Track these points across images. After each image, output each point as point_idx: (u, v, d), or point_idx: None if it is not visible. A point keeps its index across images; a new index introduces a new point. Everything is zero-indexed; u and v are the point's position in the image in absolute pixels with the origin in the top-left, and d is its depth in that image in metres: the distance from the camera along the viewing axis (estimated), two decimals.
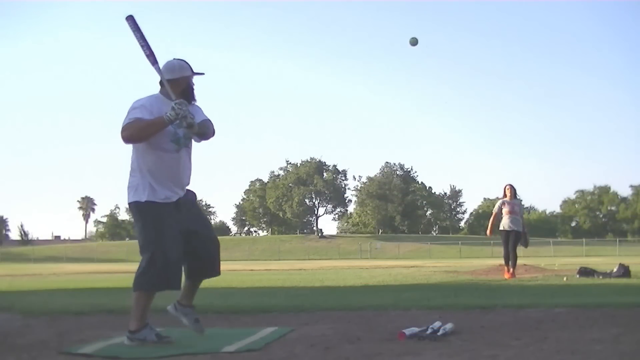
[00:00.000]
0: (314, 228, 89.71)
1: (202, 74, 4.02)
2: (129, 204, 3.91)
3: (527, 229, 11.09)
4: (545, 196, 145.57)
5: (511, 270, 10.40)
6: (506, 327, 4.23)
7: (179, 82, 3.93)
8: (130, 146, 3.90)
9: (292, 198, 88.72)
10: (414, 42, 7.24)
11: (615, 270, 10.02)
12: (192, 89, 4.01)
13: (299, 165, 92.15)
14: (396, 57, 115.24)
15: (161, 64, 3.94)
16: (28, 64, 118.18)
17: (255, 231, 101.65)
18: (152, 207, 3.83)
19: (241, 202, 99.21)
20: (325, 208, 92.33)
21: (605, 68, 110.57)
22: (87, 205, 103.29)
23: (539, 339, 3.66)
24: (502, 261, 10.95)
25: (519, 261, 10.90)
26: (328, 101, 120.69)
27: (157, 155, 3.86)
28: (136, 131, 3.75)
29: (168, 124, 3.75)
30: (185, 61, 4.01)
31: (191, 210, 4.02)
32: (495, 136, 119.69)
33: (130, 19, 3.86)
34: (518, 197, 10.94)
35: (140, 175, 3.88)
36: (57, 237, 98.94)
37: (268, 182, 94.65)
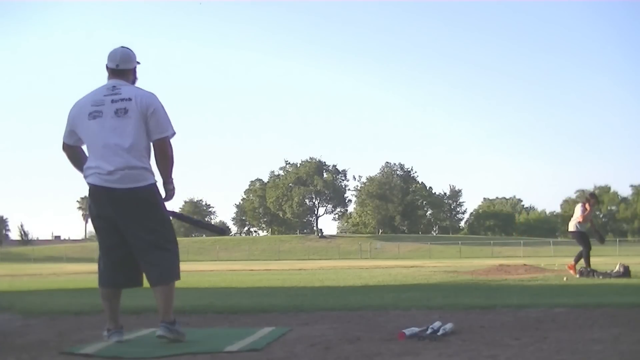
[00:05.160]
0: (314, 228, 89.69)
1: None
2: (152, 185, 3.80)
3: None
4: (545, 196, 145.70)
5: (589, 268, 10.50)
6: (506, 327, 4.22)
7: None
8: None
9: (292, 198, 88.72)
10: None
11: (615, 270, 10.04)
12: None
13: (299, 165, 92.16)
14: (396, 57, 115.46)
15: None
16: (28, 62, 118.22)
17: (255, 231, 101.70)
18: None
19: (241, 202, 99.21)
20: (325, 208, 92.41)
21: (606, 67, 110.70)
22: (87, 205, 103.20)
23: (539, 339, 3.66)
24: (502, 261, 10.99)
25: (519, 261, 10.95)
26: (328, 101, 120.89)
27: None
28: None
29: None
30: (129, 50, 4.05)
31: None
32: (496, 136, 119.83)
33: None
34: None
35: (149, 158, 3.83)
36: (57, 237, 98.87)
37: (268, 182, 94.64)
